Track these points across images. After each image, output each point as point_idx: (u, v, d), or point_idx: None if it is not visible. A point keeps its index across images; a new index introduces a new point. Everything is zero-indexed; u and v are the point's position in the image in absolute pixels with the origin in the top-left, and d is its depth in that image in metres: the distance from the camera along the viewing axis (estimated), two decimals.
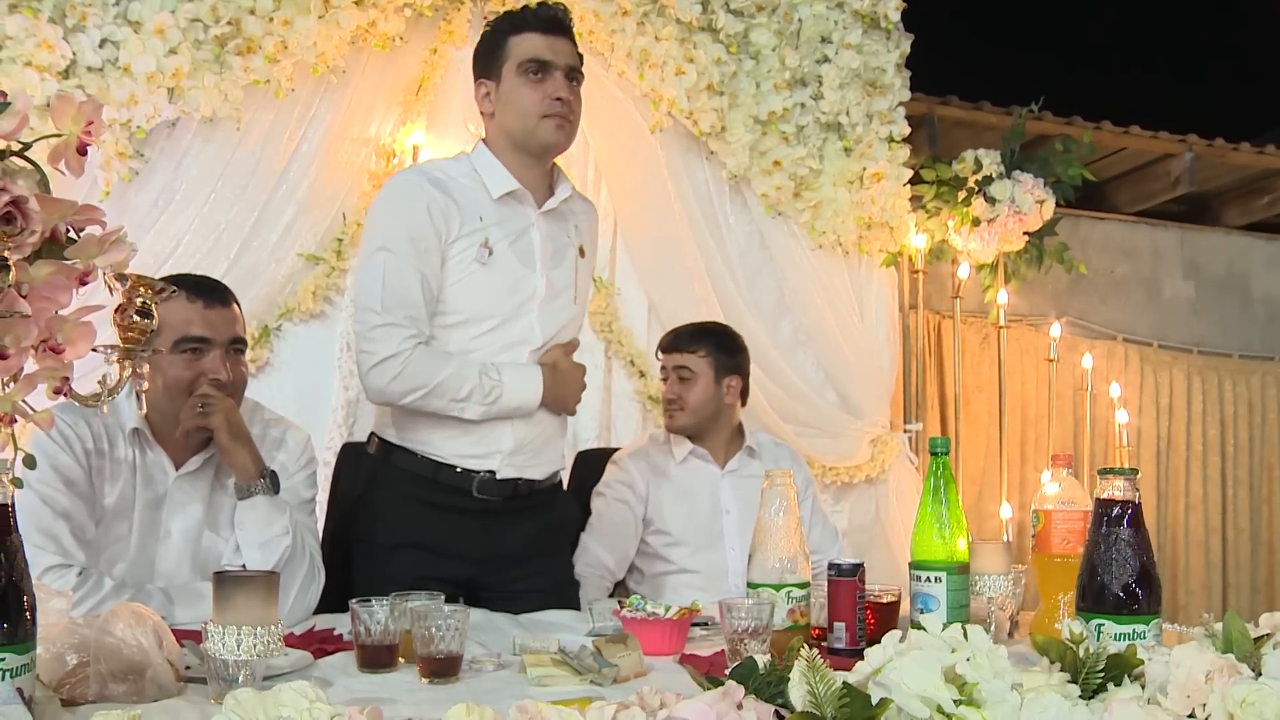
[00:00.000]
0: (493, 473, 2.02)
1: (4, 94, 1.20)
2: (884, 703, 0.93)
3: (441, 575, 1.94)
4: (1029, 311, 4.48)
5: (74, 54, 2.78)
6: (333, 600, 1.88)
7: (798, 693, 0.97)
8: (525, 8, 2.07)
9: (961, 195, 3.72)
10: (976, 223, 3.68)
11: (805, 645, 1.02)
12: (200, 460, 1.88)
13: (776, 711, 0.97)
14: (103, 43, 2.82)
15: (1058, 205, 3.80)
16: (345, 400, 3.20)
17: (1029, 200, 3.67)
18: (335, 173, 3.18)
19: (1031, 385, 4.38)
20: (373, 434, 2.13)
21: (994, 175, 3.70)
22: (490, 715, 0.90)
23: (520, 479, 2.05)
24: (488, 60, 2.05)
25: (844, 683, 0.97)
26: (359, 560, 2.06)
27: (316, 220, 3.15)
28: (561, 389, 2.04)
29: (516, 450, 2.04)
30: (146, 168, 2.95)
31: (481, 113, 2.08)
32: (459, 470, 2.01)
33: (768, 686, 1.01)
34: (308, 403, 3.14)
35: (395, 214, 1.98)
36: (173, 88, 2.88)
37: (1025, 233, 3.75)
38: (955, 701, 0.97)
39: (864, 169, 3.52)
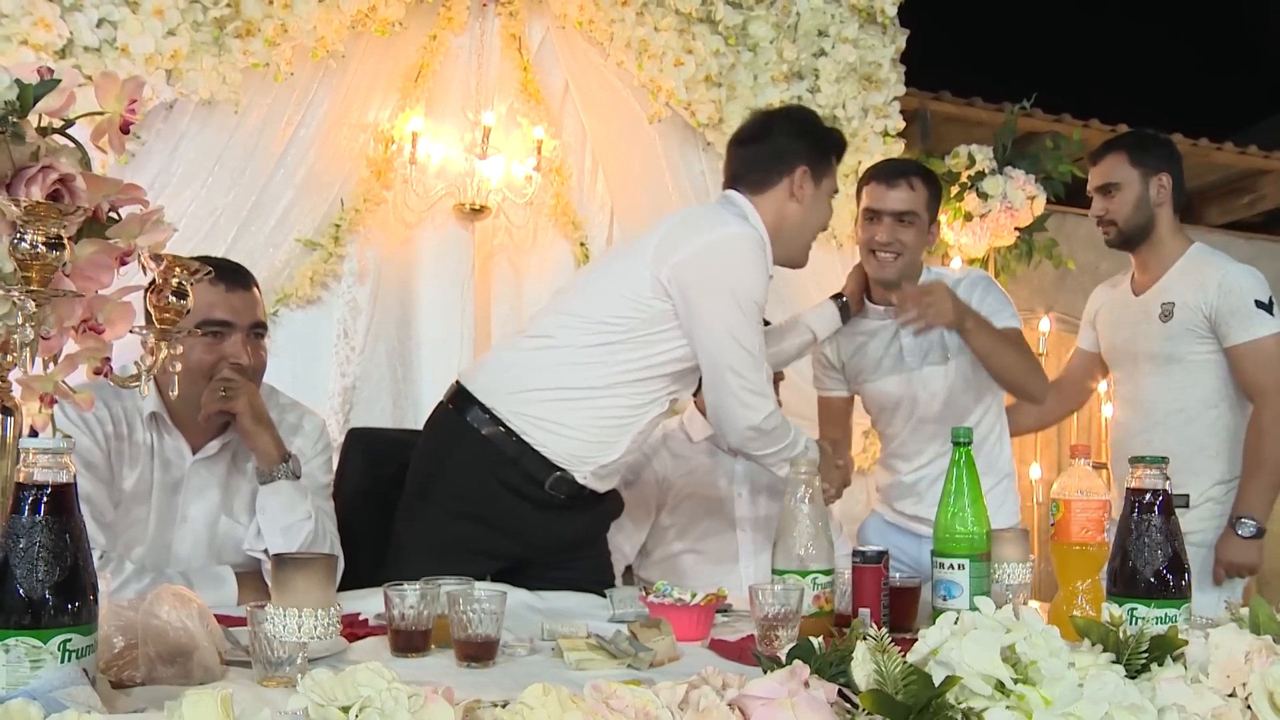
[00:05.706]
0: (572, 478, 2.02)
1: (50, 70, 1.19)
2: (951, 680, 0.95)
3: (496, 552, 1.98)
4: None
5: (71, 33, 2.72)
6: (347, 578, 1.88)
7: (862, 672, 0.98)
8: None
9: (954, 190, 3.74)
10: (969, 218, 3.71)
11: (838, 631, 1.04)
12: (217, 445, 1.86)
13: (840, 690, 0.99)
14: (100, 22, 2.77)
15: (1045, 201, 3.84)
16: (342, 387, 3.18)
17: (1020, 196, 3.71)
18: (333, 158, 3.15)
19: None
20: (466, 395, 2.04)
21: (986, 171, 3.73)
22: (566, 695, 0.91)
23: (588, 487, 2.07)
24: (826, 164, 2.17)
25: (906, 662, 0.99)
26: (422, 521, 2.04)
27: (314, 205, 3.13)
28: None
29: (609, 463, 2.04)
30: (143, 150, 2.90)
31: (785, 188, 2.12)
32: (543, 460, 1.99)
33: (829, 666, 1.02)
34: (304, 389, 3.06)
35: (760, 278, 2.04)
36: (171, 69, 2.84)
37: (1015, 228, 3.79)
38: (1013, 679, 0.99)
39: (859, 163, 3.54)
